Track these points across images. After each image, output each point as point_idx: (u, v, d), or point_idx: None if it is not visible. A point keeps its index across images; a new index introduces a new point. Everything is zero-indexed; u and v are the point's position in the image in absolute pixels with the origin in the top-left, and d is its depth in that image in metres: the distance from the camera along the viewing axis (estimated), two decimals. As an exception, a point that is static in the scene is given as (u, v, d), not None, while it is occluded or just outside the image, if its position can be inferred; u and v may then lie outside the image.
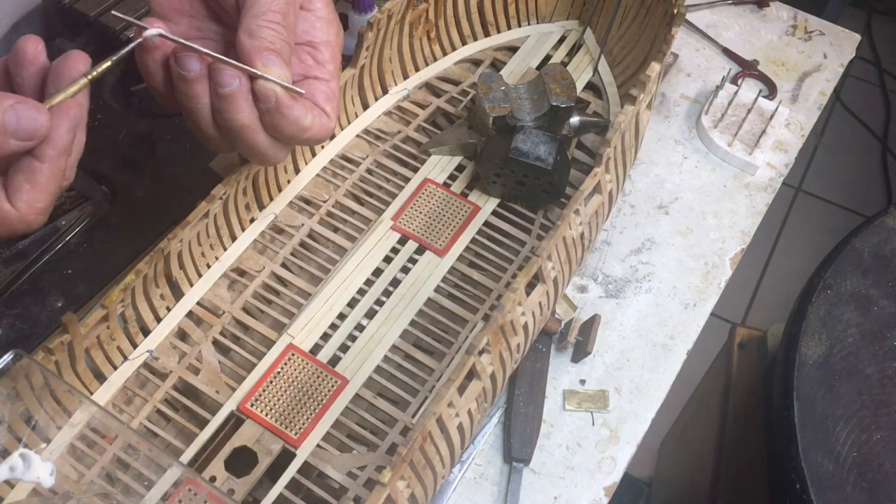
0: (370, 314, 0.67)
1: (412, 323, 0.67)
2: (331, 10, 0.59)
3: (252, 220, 0.70)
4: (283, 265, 0.69)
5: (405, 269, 0.69)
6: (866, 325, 0.78)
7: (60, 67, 0.48)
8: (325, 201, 0.73)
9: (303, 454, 0.60)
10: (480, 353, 0.57)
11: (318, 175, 0.73)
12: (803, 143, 0.90)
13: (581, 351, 0.72)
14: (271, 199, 0.71)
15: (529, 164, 0.68)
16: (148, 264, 0.61)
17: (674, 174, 0.85)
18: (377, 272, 0.69)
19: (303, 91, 0.54)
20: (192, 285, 0.66)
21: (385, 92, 0.79)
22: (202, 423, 0.61)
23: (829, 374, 0.76)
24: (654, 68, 0.70)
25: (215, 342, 0.65)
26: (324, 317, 0.66)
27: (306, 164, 0.73)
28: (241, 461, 0.59)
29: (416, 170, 0.75)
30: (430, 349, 0.67)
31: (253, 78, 0.52)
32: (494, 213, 0.73)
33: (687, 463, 1.21)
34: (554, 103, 0.71)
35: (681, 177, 0.85)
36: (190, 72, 0.52)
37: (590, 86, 0.82)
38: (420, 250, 0.70)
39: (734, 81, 0.92)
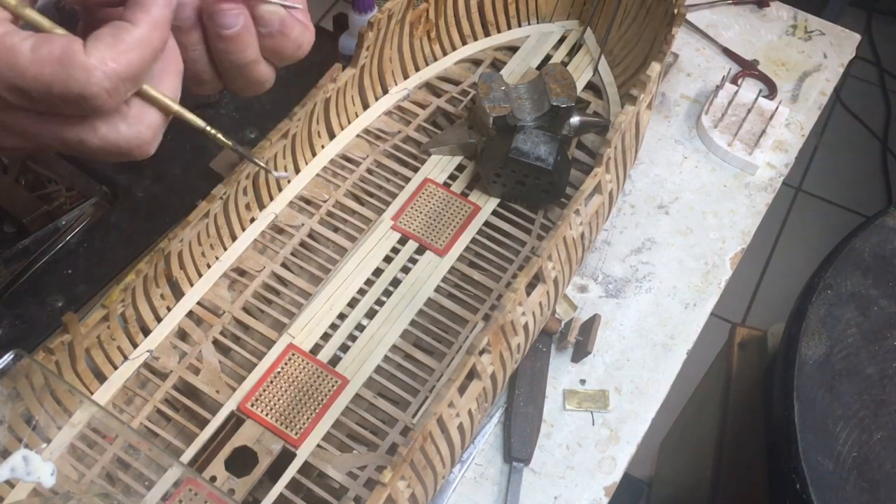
0: (370, 314, 0.67)
1: (412, 323, 0.67)
2: None
3: (252, 220, 0.70)
4: (284, 265, 0.69)
5: (405, 269, 0.69)
6: (866, 325, 0.78)
7: None
8: (325, 201, 0.73)
9: (303, 454, 0.60)
10: (481, 353, 0.57)
11: (318, 175, 0.73)
12: (803, 143, 0.90)
13: (581, 351, 0.72)
14: (271, 198, 0.71)
15: (530, 164, 0.68)
16: (148, 264, 0.61)
17: (674, 174, 0.85)
18: (377, 272, 0.69)
19: (299, 5, 0.49)
20: (192, 285, 0.66)
21: (385, 92, 0.79)
22: (202, 423, 0.61)
23: (829, 374, 0.76)
24: (655, 68, 0.70)
25: (215, 342, 0.65)
26: (324, 317, 0.66)
27: (306, 163, 0.73)
28: (241, 461, 0.59)
29: (416, 170, 0.75)
30: (430, 349, 0.67)
31: (253, 5, 0.48)
32: (495, 213, 0.73)
33: (687, 463, 1.21)
34: (554, 103, 0.71)
35: (681, 177, 0.85)
36: (183, 20, 0.47)
37: (590, 86, 0.82)
38: (420, 250, 0.70)
39: (734, 81, 0.92)
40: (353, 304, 0.67)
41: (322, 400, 0.62)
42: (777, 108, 0.88)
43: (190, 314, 0.66)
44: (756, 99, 0.88)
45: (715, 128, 0.87)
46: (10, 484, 0.54)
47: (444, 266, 0.69)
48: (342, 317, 0.67)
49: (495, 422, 0.70)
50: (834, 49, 0.97)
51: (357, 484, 0.59)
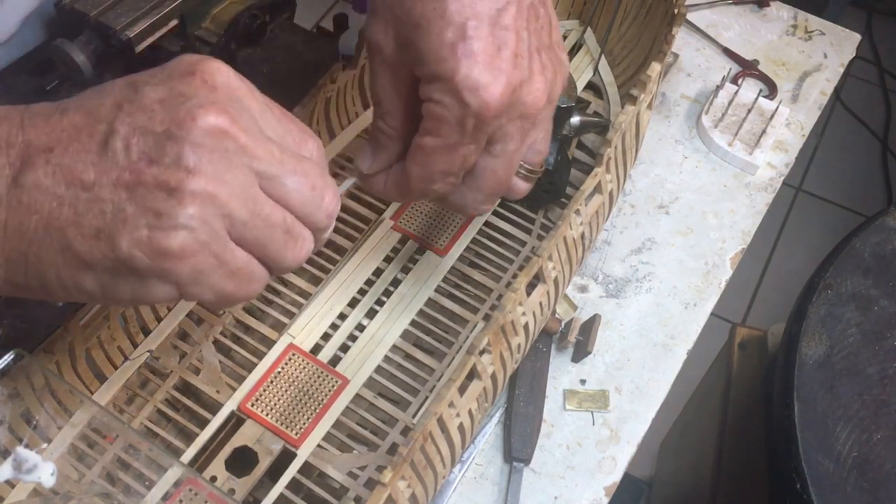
0: (371, 314, 0.67)
1: (413, 323, 0.67)
2: None
3: (252, 220, 0.70)
4: (284, 265, 0.69)
5: (406, 269, 0.69)
6: (866, 325, 0.78)
7: None
8: (325, 201, 0.72)
9: (303, 454, 0.60)
10: (481, 353, 0.57)
11: (318, 175, 0.73)
12: (803, 143, 0.90)
13: (581, 351, 0.72)
14: (272, 198, 0.71)
15: (530, 164, 0.68)
16: (148, 264, 0.61)
17: (674, 174, 0.85)
18: (378, 272, 0.69)
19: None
20: (192, 285, 0.66)
21: (385, 92, 0.79)
22: (203, 423, 0.61)
23: (829, 374, 0.76)
24: (655, 68, 0.70)
25: (216, 342, 0.65)
26: (324, 317, 0.66)
27: (307, 163, 0.73)
28: (241, 461, 0.59)
29: (416, 170, 0.75)
30: (430, 349, 0.67)
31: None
32: (495, 212, 0.73)
33: (687, 463, 1.21)
34: (554, 103, 0.71)
35: (681, 177, 0.85)
36: None
37: (590, 86, 0.82)
38: (420, 250, 0.70)
39: (734, 81, 0.92)
40: (353, 304, 0.67)
41: (322, 400, 0.62)
42: (777, 108, 0.88)
43: (190, 314, 0.66)
44: (756, 99, 0.88)
45: (715, 128, 0.87)
46: (11, 484, 0.54)
47: (445, 266, 0.69)
48: (342, 317, 0.67)
49: (495, 422, 0.70)
50: (834, 49, 0.97)
51: (357, 484, 0.59)
